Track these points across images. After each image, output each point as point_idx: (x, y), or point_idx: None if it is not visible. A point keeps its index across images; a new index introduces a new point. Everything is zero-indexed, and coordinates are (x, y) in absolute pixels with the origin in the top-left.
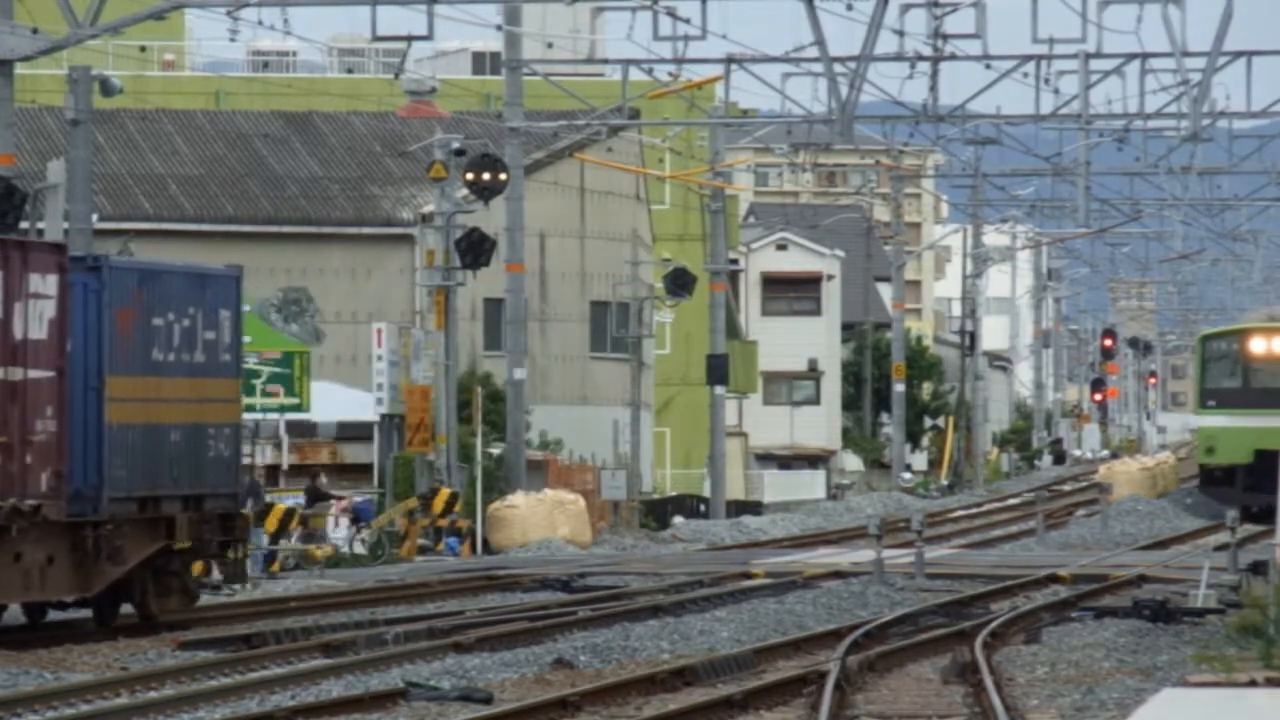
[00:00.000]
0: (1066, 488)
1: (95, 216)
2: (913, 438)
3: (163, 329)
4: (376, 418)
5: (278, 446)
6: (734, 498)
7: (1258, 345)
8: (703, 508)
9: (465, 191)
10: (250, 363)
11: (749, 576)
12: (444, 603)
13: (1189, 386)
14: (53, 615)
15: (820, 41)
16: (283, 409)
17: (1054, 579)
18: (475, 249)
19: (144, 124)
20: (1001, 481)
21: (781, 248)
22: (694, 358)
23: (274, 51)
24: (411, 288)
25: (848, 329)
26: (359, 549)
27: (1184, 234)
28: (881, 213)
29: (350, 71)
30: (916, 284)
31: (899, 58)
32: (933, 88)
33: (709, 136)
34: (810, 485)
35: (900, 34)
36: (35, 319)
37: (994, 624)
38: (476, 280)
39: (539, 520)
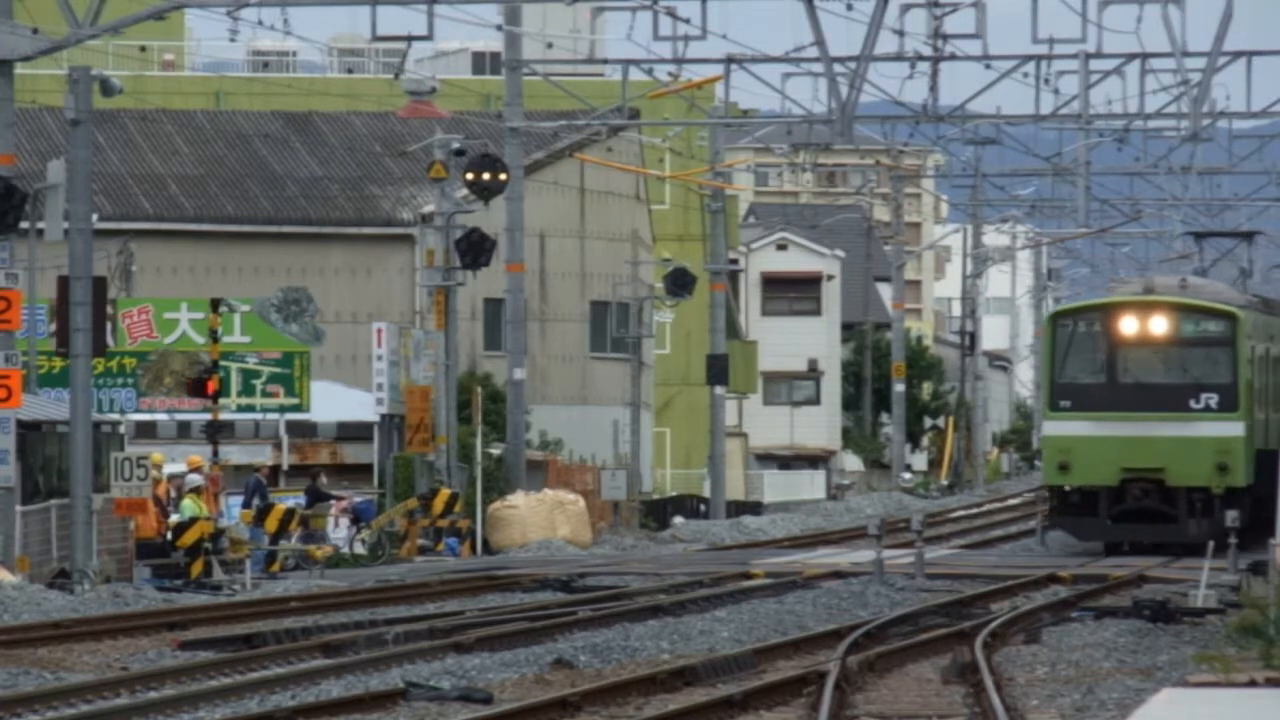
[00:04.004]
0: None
1: (95, 216)
2: (913, 438)
3: None
4: (376, 418)
5: (278, 447)
6: (734, 498)
7: (1129, 326)
8: (703, 508)
9: (465, 191)
10: (250, 363)
11: (749, 576)
12: (444, 603)
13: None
14: (52, 615)
15: (820, 41)
16: (283, 409)
17: (1054, 579)
18: (475, 249)
19: (144, 124)
20: (1001, 481)
21: (781, 248)
22: (694, 358)
23: (274, 51)
24: (411, 288)
25: (848, 329)
26: (359, 549)
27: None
28: (881, 213)
29: (350, 71)
30: (916, 284)
31: (899, 58)
32: (933, 88)
33: (709, 136)
34: (810, 485)
35: (900, 34)
36: None
37: (994, 624)
38: (476, 280)
39: (539, 520)
